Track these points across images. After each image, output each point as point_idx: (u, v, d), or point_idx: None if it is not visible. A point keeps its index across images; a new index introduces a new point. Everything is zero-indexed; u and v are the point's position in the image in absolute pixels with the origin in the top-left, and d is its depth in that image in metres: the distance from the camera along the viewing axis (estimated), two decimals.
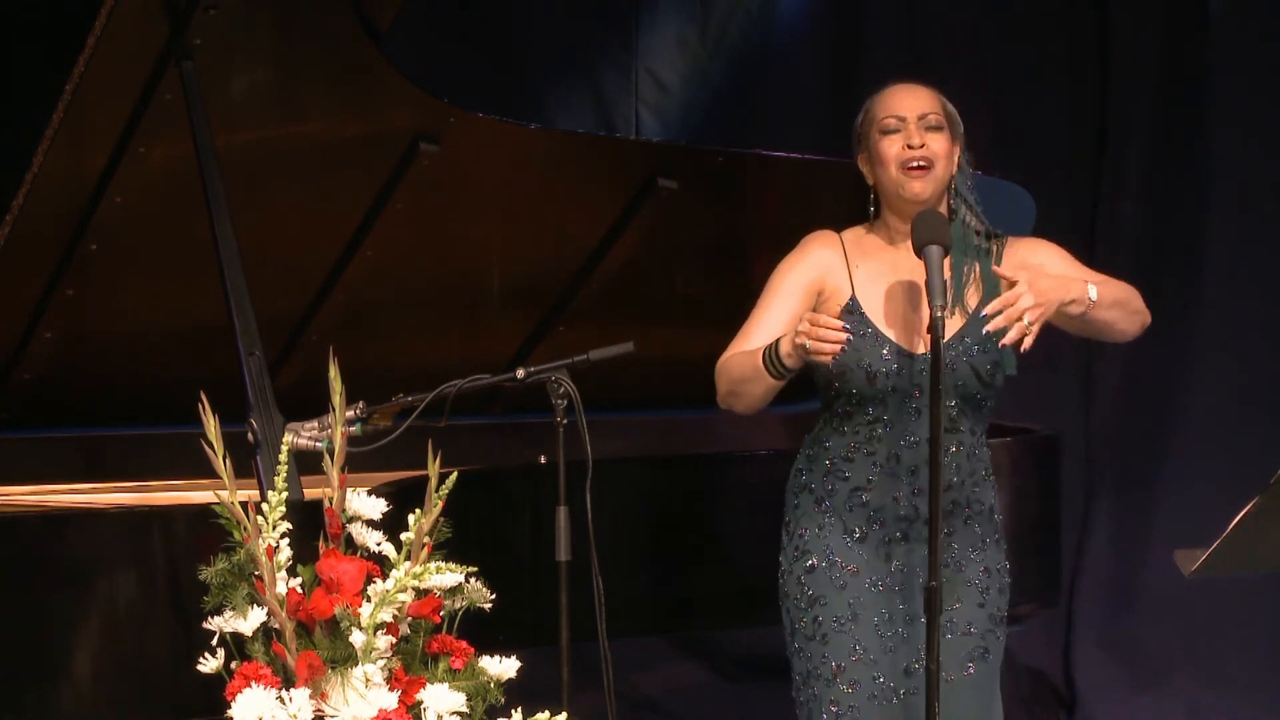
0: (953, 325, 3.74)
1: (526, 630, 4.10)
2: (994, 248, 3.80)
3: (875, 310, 3.76)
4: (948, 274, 3.71)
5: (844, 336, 3.54)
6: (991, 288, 3.74)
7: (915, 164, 3.71)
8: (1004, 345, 3.57)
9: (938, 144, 3.73)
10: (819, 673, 3.75)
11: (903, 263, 3.75)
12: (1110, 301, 3.71)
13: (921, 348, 3.71)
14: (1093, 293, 3.65)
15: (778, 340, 3.65)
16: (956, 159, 3.78)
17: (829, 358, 3.56)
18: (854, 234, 3.83)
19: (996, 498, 3.86)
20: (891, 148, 3.73)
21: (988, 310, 3.56)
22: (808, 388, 3.93)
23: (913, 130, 3.72)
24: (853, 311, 3.75)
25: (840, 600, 3.75)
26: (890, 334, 3.74)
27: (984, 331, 3.64)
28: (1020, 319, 3.52)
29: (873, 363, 3.72)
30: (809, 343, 3.53)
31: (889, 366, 3.71)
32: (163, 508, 3.94)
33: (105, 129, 4.18)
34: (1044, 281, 3.59)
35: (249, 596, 3.36)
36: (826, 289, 3.79)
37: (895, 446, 3.73)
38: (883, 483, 3.74)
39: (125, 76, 4.11)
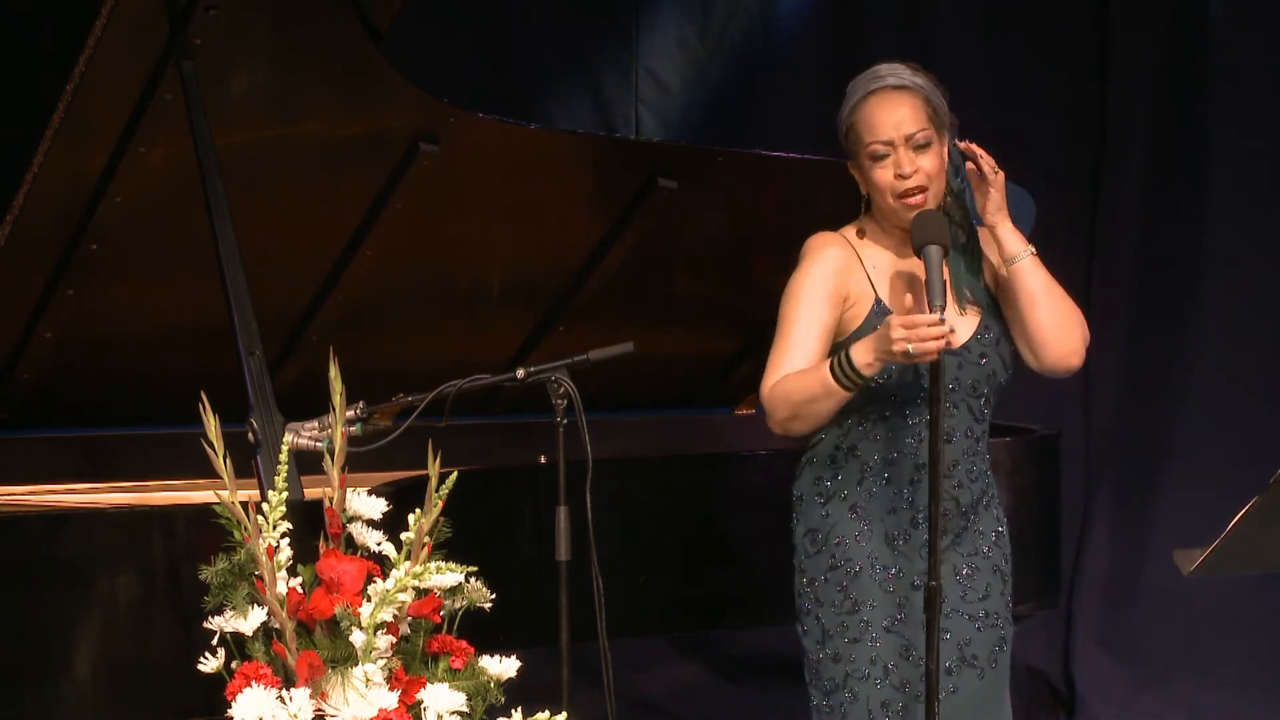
0: (971, 320, 3.76)
1: (526, 630, 4.10)
2: (970, 238, 3.79)
3: (900, 311, 3.69)
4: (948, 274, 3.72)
5: (946, 330, 3.49)
6: (969, 282, 3.76)
7: (910, 193, 3.68)
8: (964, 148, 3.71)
9: (929, 163, 3.69)
10: (863, 673, 3.72)
11: (910, 259, 3.72)
12: (1042, 280, 3.72)
13: (954, 342, 3.70)
14: (1027, 251, 3.71)
15: (845, 353, 3.58)
16: (945, 148, 3.74)
17: (935, 355, 3.51)
18: (853, 232, 3.81)
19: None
20: (884, 176, 3.69)
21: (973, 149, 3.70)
22: None
23: (902, 157, 3.67)
24: (882, 314, 3.72)
25: (890, 602, 3.74)
26: None
27: (962, 162, 3.72)
28: (985, 166, 3.68)
29: (914, 364, 3.70)
30: (913, 347, 3.46)
31: (925, 367, 3.69)
32: (163, 508, 3.93)
33: (105, 129, 4.18)
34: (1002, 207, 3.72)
35: (249, 596, 3.35)
36: (851, 294, 3.75)
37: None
38: (926, 481, 3.70)
39: (125, 76, 4.11)
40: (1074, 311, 3.77)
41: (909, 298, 3.70)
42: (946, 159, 3.73)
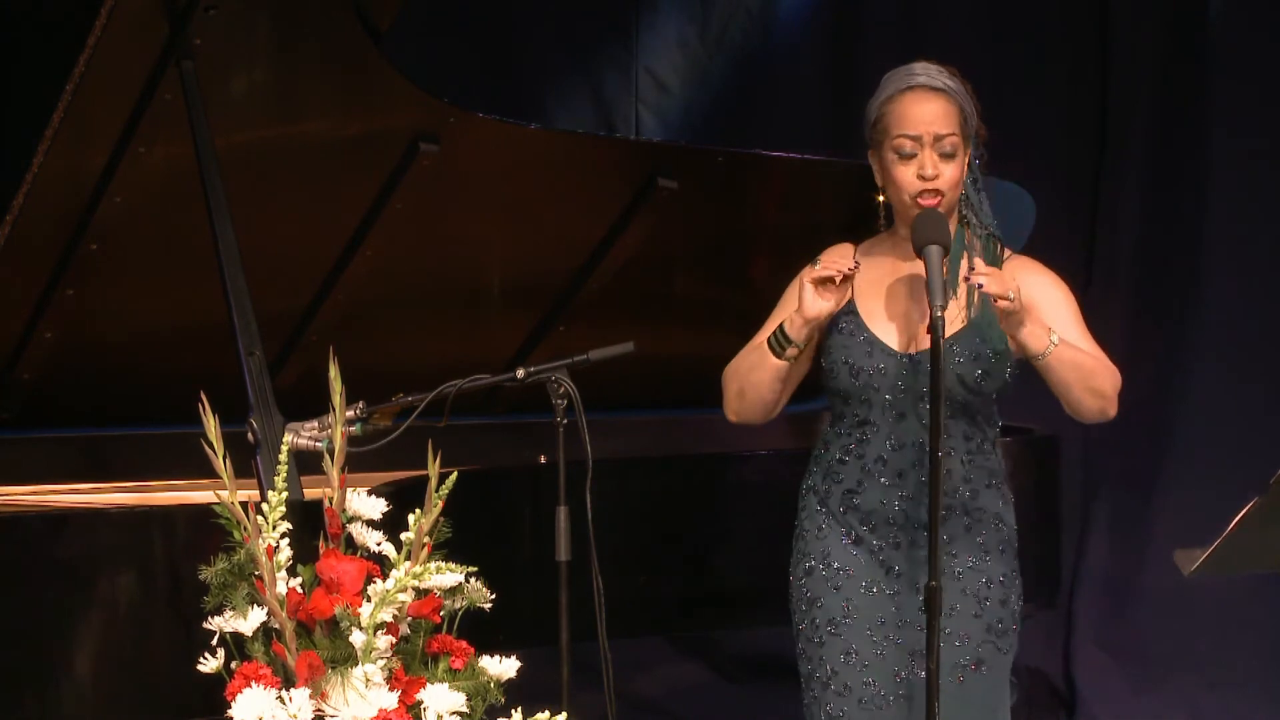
0: (948, 330, 3.72)
1: (526, 630, 4.10)
2: (994, 248, 3.77)
3: (870, 312, 3.76)
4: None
5: (849, 263, 3.64)
6: (974, 290, 3.72)
7: (927, 195, 3.67)
8: (972, 282, 3.59)
9: (951, 171, 3.68)
10: (817, 675, 3.76)
11: (905, 267, 3.75)
12: (1069, 363, 3.64)
13: (913, 348, 3.72)
14: (1050, 346, 3.62)
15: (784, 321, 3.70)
16: (966, 162, 3.74)
17: (839, 279, 3.62)
18: (869, 243, 3.83)
19: (1007, 506, 3.80)
20: (905, 173, 3.68)
21: (979, 277, 3.55)
22: (809, 388, 3.93)
23: (927, 159, 3.66)
24: (850, 313, 3.76)
25: (835, 602, 3.75)
26: (878, 334, 3.74)
27: (965, 280, 3.65)
28: (994, 288, 3.54)
29: (855, 360, 3.72)
30: (818, 271, 3.62)
31: (873, 365, 3.71)
32: (163, 508, 3.94)
33: (105, 129, 4.18)
34: (1028, 312, 3.60)
35: (249, 596, 3.35)
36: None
37: (882, 449, 3.73)
38: (872, 486, 3.74)
39: (125, 76, 4.11)
40: (1104, 371, 3.71)
41: (881, 302, 3.75)
42: (966, 171, 3.73)
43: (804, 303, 3.66)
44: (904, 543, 3.72)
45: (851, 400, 3.75)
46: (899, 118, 3.69)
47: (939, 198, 3.67)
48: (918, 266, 3.68)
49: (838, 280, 3.63)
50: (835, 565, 3.76)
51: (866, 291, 3.78)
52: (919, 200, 3.67)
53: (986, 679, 3.73)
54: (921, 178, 3.66)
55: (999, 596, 3.76)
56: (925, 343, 3.68)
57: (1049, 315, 3.70)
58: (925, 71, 3.73)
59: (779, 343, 3.72)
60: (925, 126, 3.67)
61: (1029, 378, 3.87)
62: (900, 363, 3.71)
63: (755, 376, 3.77)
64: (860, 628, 3.73)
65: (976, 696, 3.72)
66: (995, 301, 3.55)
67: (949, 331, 3.65)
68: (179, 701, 3.66)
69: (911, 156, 3.68)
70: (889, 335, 3.74)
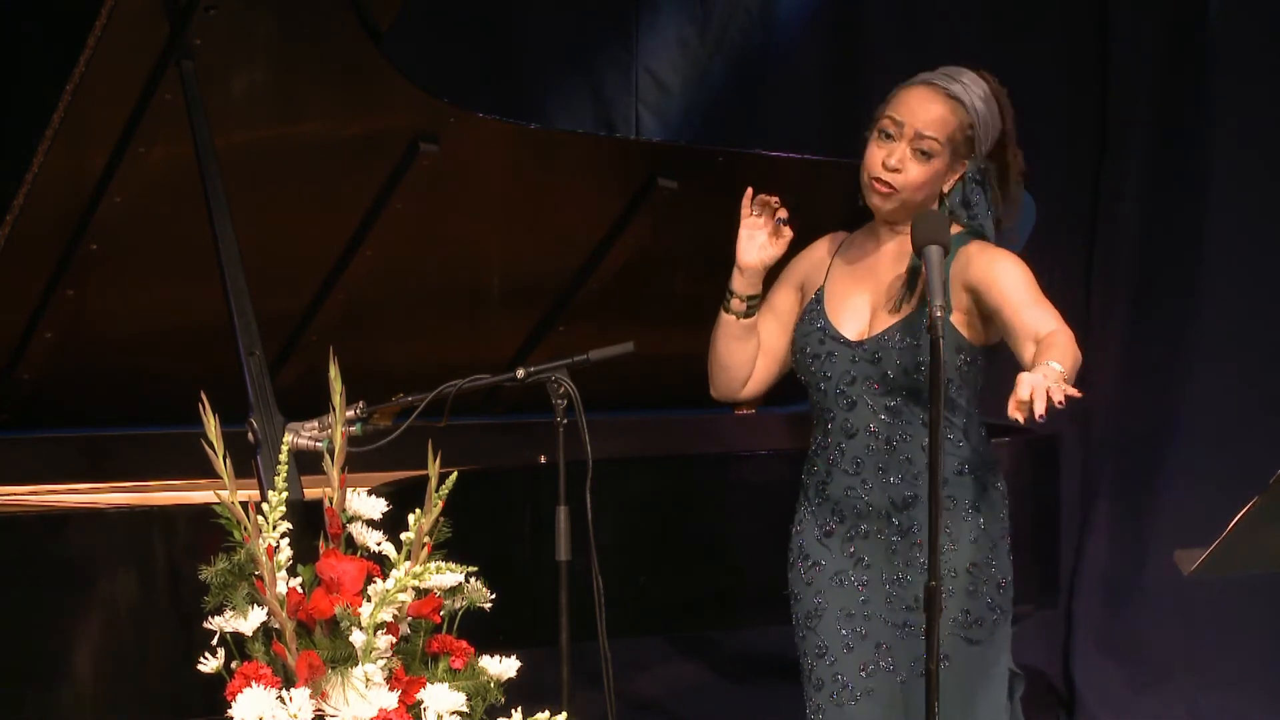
0: (887, 319, 3.74)
1: (527, 630, 4.10)
2: (964, 242, 3.72)
3: (833, 299, 3.80)
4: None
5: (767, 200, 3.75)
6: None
7: (881, 184, 3.67)
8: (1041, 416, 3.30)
9: (916, 173, 3.66)
10: (804, 669, 3.79)
11: (875, 258, 3.78)
12: (1070, 372, 3.44)
13: (864, 335, 3.73)
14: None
15: None
16: (956, 176, 3.71)
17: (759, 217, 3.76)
18: (859, 231, 3.86)
19: (988, 495, 3.75)
20: (874, 153, 3.68)
21: (1042, 404, 3.26)
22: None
23: (898, 148, 3.66)
24: (818, 301, 3.81)
25: (810, 596, 3.78)
26: (835, 321, 3.77)
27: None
28: (1058, 395, 3.29)
29: (811, 346, 3.77)
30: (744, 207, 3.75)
31: (824, 352, 3.75)
32: (163, 508, 3.93)
33: (105, 129, 4.18)
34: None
35: (249, 596, 3.36)
36: (807, 283, 3.86)
37: (839, 438, 3.75)
38: (837, 476, 3.76)
39: (125, 76, 4.11)
40: (1073, 346, 3.49)
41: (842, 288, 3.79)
42: (952, 186, 3.72)
43: (738, 250, 3.78)
44: (871, 532, 3.73)
45: (812, 388, 3.80)
46: (895, 103, 3.71)
47: (890, 192, 3.66)
48: (884, 256, 3.75)
49: (768, 227, 3.75)
50: (810, 560, 3.79)
51: (836, 279, 3.82)
52: (873, 185, 3.68)
53: (952, 674, 3.65)
54: (885, 165, 3.66)
55: (965, 587, 3.70)
56: (875, 329, 3.74)
57: (1004, 287, 3.63)
58: (947, 74, 3.72)
59: (726, 296, 3.82)
60: (911, 118, 3.67)
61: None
62: (849, 350, 3.73)
63: (717, 344, 3.86)
64: (830, 621, 3.74)
65: (944, 692, 3.58)
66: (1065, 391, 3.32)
67: (894, 320, 3.71)
68: (179, 701, 3.66)
69: (888, 139, 3.68)
70: (846, 323, 3.77)
